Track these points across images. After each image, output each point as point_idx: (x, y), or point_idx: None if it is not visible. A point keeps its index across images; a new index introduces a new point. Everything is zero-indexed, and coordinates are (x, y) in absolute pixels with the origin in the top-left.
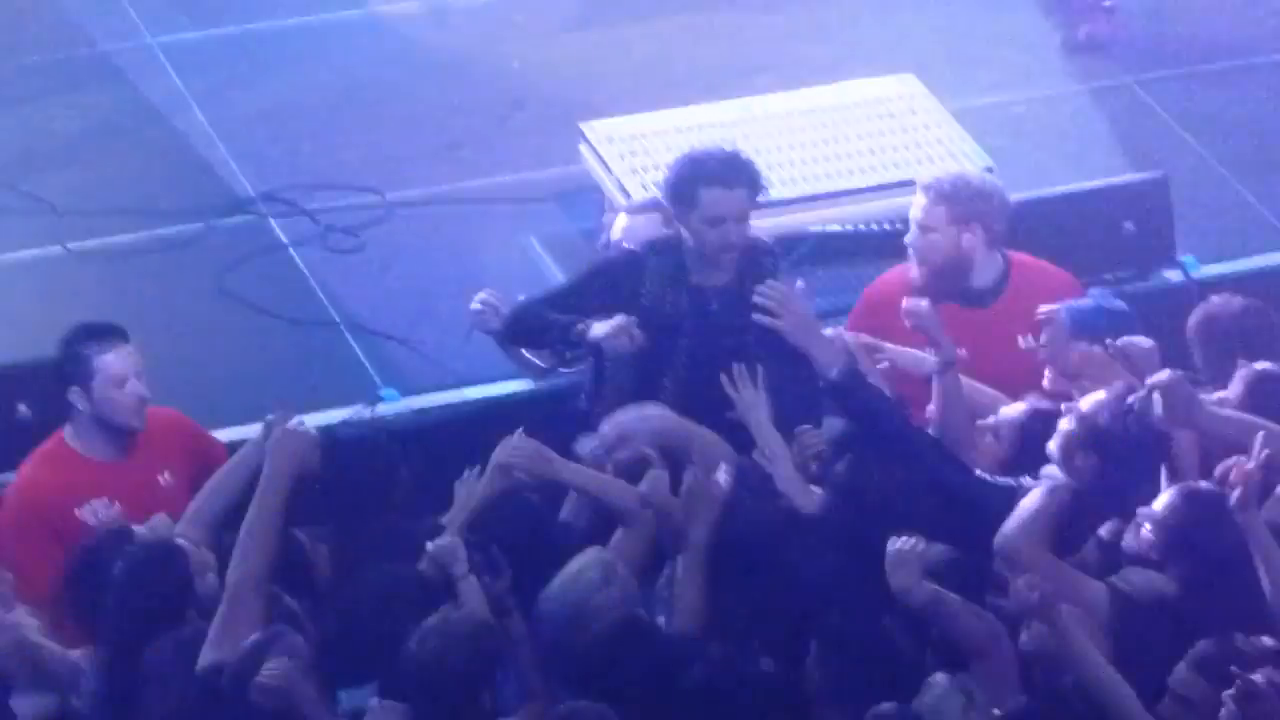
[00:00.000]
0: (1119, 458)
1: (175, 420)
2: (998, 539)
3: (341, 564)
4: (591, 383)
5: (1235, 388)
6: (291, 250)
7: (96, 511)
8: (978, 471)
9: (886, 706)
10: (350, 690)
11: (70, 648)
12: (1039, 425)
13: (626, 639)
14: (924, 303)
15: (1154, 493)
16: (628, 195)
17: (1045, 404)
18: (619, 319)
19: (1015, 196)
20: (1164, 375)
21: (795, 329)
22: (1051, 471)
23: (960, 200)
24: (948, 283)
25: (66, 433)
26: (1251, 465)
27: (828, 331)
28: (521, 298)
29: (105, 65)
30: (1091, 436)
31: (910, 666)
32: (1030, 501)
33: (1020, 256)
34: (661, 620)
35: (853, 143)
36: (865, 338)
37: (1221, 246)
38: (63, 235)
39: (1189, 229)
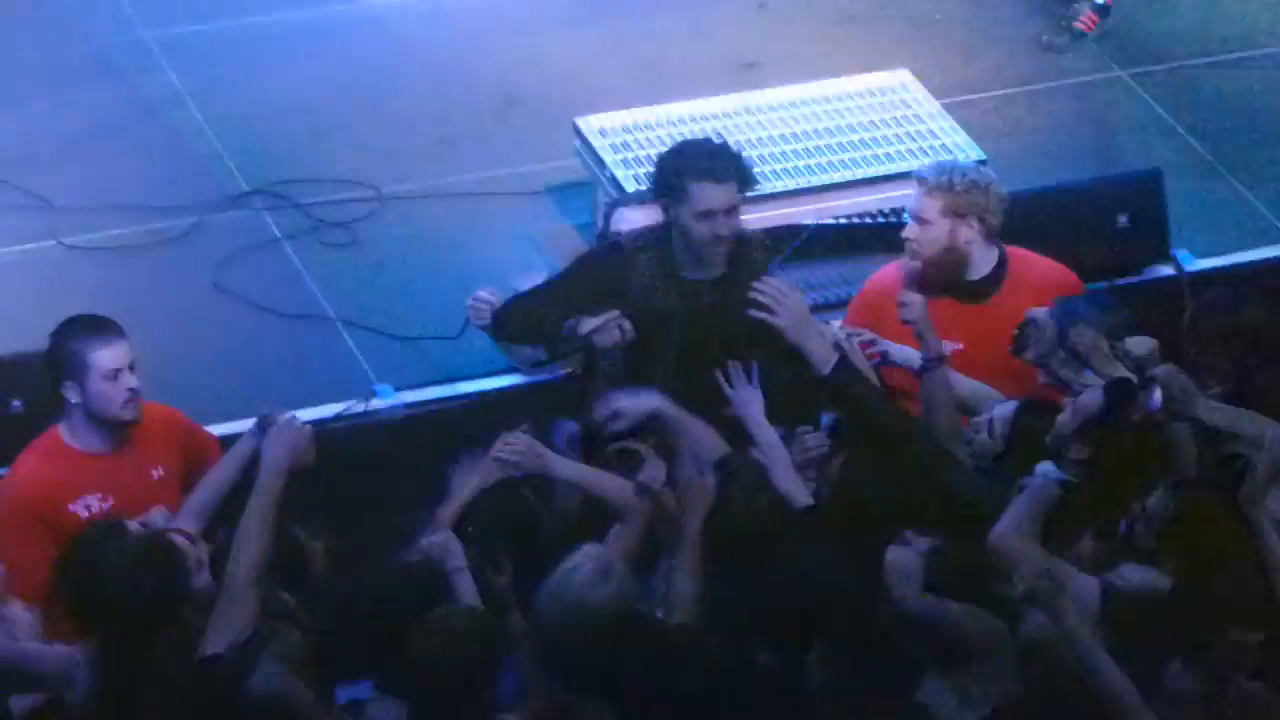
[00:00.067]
0: (1116, 451)
1: (170, 416)
2: (991, 535)
3: (337, 559)
4: (583, 377)
5: (1228, 382)
6: (285, 245)
7: (90, 506)
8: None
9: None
10: (347, 686)
11: (64, 642)
12: (1032, 420)
13: (625, 634)
14: (918, 297)
15: (1150, 487)
16: (621, 190)
17: (1039, 398)
18: (609, 313)
19: (1009, 191)
20: (1163, 368)
21: (792, 325)
22: (1045, 467)
23: (957, 193)
24: (944, 276)
25: (60, 427)
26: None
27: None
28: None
29: (100, 60)
30: (1088, 430)
31: (909, 661)
32: (1023, 497)
33: (1017, 250)
34: (660, 615)
35: (846, 136)
36: (865, 332)
37: (1215, 241)
38: (57, 230)
39: (1183, 223)
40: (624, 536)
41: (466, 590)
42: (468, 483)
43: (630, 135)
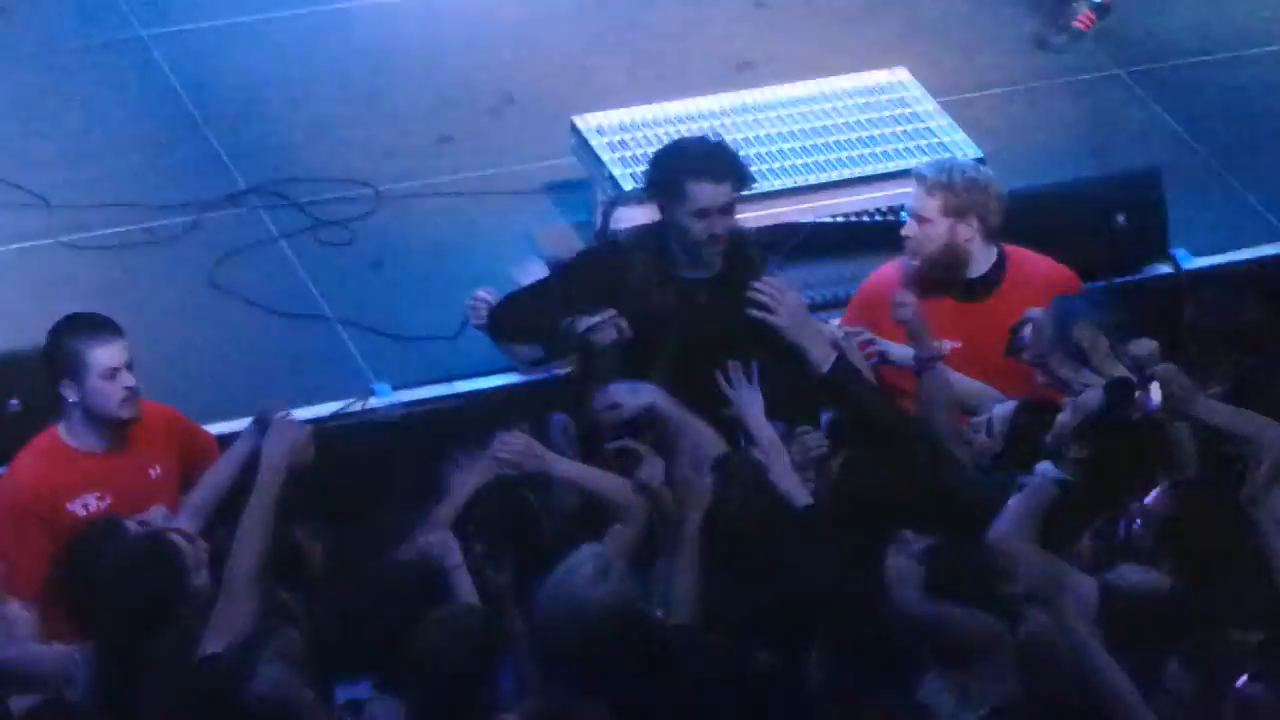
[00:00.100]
0: (1115, 451)
1: (168, 414)
2: (990, 534)
3: (336, 558)
4: (580, 376)
5: (1228, 382)
6: (282, 243)
7: (88, 505)
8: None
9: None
10: (346, 685)
11: (63, 642)
12: (1031, 419)
13: (624, 633)
14: (911, 297)
15: (1149, 486)
16: (619, 188)
17: (1038, 398)
18: (606, 312)
19: (1006, 189)
20: (1163, 367)
21: (790, 324)
22: (1045, 466)
23: (956, 191)
24: (943, 275)
25: (58, 426)
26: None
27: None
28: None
29: (96, 57)
30: (1087, 429)
31: (909, 661)
32: (1022, 496)
33: (1016, 249)
34: (659, 614)
35: (844, 134)
36: (864, 331)
37: (1214, 240)
38: (55, 228)
39: (1181, 221)
40: (623, 536)
41: (465, 588)
42: (466, 482)
43: (628, 134)
